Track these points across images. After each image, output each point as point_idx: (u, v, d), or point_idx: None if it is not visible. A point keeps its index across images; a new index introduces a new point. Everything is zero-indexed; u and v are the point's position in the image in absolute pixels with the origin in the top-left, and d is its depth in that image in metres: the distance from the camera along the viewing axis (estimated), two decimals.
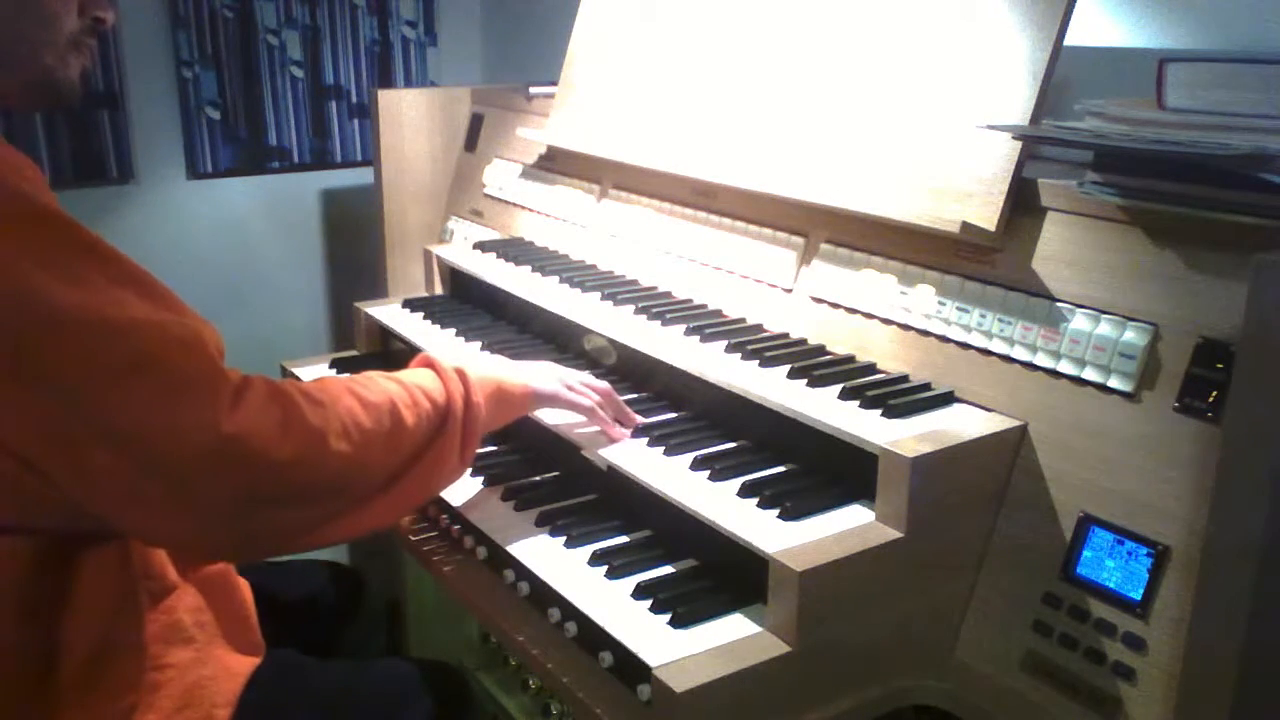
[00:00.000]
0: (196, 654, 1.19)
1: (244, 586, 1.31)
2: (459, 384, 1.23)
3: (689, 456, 1.32)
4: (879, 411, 1.25)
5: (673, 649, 1.09)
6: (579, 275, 1.78)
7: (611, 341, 1.58)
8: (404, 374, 1.22)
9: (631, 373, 1.57)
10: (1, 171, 0.95)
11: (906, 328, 1.38)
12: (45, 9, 1.09)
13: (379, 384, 1.16)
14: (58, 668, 1.08)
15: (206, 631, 1.22)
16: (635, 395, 1.52)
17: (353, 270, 2.74)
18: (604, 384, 1.42)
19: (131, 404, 0.95)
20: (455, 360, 1.28)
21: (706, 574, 1.23)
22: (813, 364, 1.38)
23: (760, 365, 1.39)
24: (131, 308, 0.96)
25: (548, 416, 1.44)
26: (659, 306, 1.61)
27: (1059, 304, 1.22)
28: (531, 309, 1.74)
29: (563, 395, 1.37)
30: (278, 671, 1.27)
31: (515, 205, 2.18)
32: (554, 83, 2.07)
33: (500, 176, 2.23)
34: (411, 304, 1.95)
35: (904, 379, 1.34)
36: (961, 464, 1.18)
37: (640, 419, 1.42)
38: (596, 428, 1.39)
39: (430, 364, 1.26)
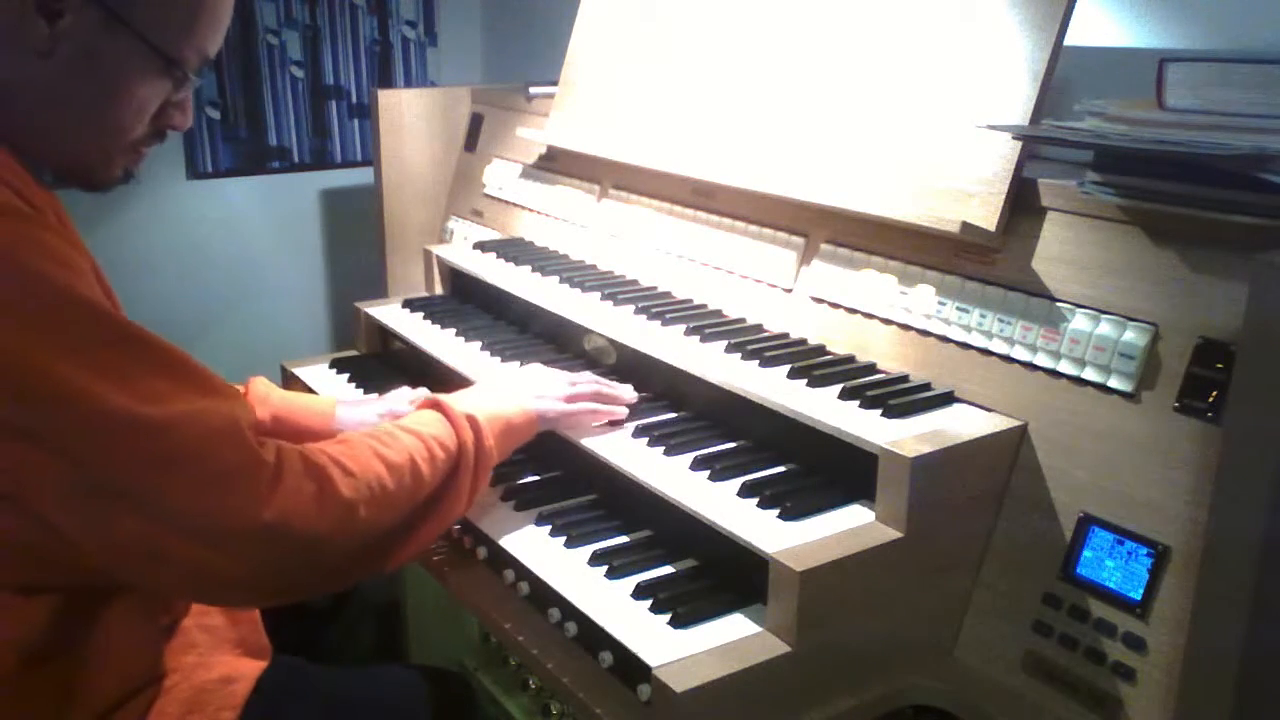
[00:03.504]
0: (200, 660, 1.19)
1: None
2: (469, 430, 1.22)
3: (689, 456, 1.32)
4: (879, 411, 1.25)
5: (673, 649, 1.09)
6: (579, 275, 1.78)
7: (611, 341, 1.58)
8: (420, 424, 1.21)
9: (631, 373, 1.56)
10: (24, 252, 0.91)
11: (906, 328, 1.38)
12: (115, 119, 1.05)
13: (400, 441, 1.16)
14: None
15: (211, 637, 1.22)
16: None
17: (353, 270, 2.74)
18: (585, 377, 1.43)
19: (172, 494, 0.94)
20: (463, 404, 1.27)
21: (706, 574, 1.23)
22: (813, 364, 1.38)
23: (760, 365, 1.39)
24: (169, 401, 0.95)
25: None
26: (659, 306, 1.61)
27: (1059, 304, 1.22)
28: (532, 309, 1.74)
29: (565, 412, 1.37)
30: (284, 677, 1.27)
31: (515, 205, 2.18)
32: (554, 83, 2.07)
33: (500, 176, 2.23)
34: (411, 304, 1.95)
35: (904, 379, 1.34)
36: (961, 464, 1.18)
37: (632, 392, 1.44)
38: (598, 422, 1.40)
39: (440, 407, 1.25)
